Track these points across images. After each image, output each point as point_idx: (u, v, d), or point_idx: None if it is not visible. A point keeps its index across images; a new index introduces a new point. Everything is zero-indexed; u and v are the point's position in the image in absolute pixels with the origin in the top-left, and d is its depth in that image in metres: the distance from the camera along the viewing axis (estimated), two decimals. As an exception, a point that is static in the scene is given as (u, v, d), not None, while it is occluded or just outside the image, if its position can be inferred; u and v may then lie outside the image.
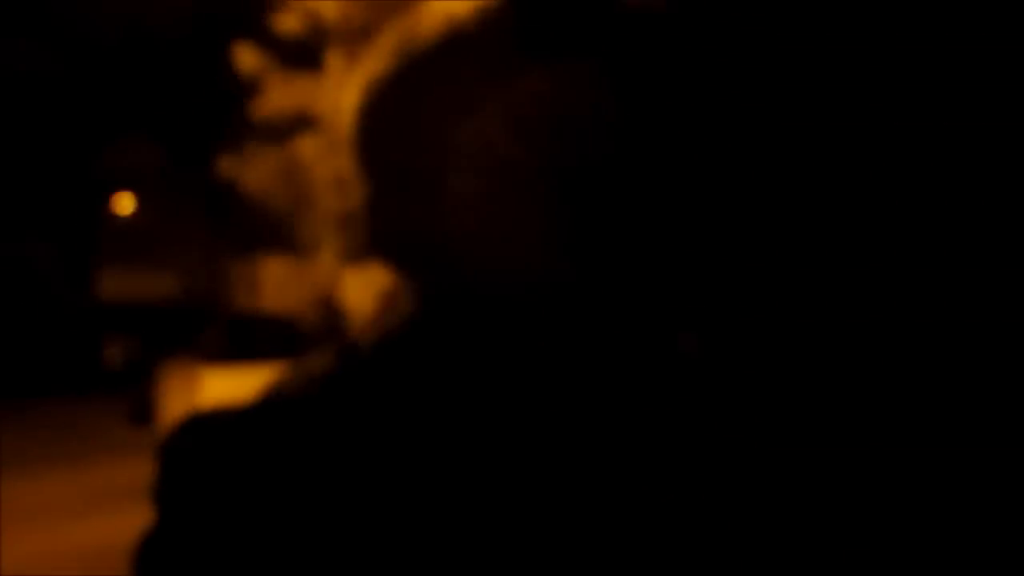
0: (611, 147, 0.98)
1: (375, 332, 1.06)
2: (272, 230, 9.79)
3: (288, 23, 8.84)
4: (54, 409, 18.30)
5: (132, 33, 17.69)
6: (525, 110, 0.98)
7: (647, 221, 0.99)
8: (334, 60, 8.78)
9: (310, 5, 8.73)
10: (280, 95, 8.98)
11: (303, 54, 8.90)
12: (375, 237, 1.04)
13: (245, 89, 9.30)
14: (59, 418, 17.47)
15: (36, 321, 22.09)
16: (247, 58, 9.21)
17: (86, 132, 20.86)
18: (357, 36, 8.23)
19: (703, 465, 0.99)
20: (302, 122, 8.94)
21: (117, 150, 21.60)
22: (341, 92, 8.52)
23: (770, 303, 1.02)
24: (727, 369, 1.02)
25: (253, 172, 9.26)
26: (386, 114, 1.02)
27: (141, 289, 22.65)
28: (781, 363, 1.01)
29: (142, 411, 16.66)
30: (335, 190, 8.67)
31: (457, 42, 1.01)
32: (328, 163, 8.69)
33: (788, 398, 1.01)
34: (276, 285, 10.28)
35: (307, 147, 8.91)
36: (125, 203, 23.92)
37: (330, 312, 9.64)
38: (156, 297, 22.46)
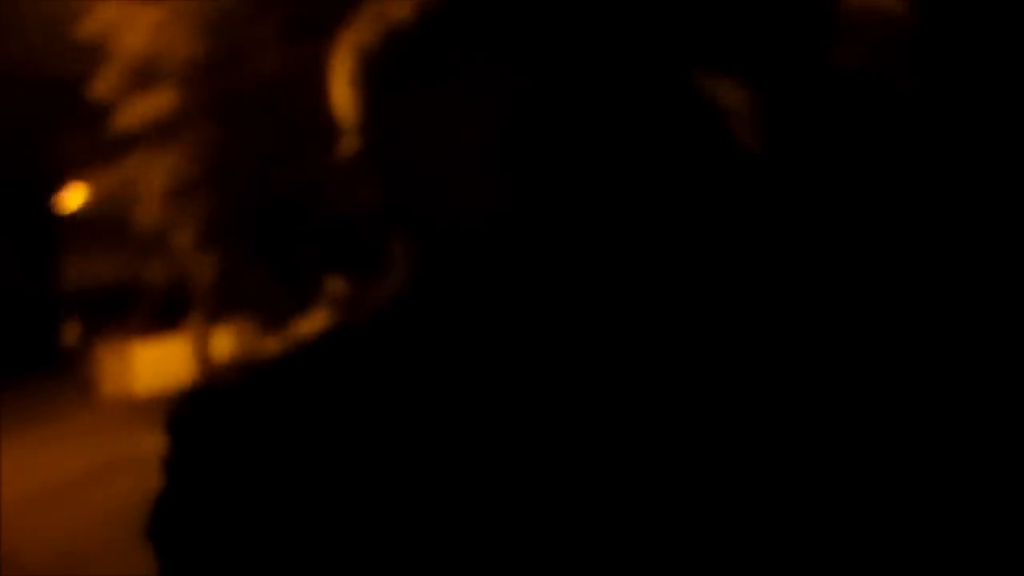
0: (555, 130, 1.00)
1: (370, 297, 1.08)
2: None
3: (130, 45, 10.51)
4: (15, 383, 20.24)
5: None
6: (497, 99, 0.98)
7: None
8: (177, 80, 10.54)
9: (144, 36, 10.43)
10: (128, 115, 10.88)
11: (152, 76, 10.69)
12: (373, 202, 1.03)
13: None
14: (20, 390, 19.39)
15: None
16: (102, 85, 10.98)
17: (29, 126, 22.46)
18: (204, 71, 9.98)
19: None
20: (142, 138, 10.88)
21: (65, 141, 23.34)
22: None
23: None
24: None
25: (90, 186, 11.19)
26: (376, 82, 1.02)
27: (99, 273, 24.52)
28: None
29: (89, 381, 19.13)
30: (158, 200, 10.66)
31: (424, 26, 1.00)
32: (150, 177, 10.68)
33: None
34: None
35: (133, 164, 10.89)
36: (78, 193, 25.52)
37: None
38: (114, 280, 24.31)
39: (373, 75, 1.01)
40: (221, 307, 12.80)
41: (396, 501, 0.98)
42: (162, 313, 17.97)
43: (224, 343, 15.26)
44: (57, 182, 24.38)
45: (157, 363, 18.36)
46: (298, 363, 1.05)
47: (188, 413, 1.06)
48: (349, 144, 1.04)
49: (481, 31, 0.99)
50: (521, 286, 1.01)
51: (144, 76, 10.37)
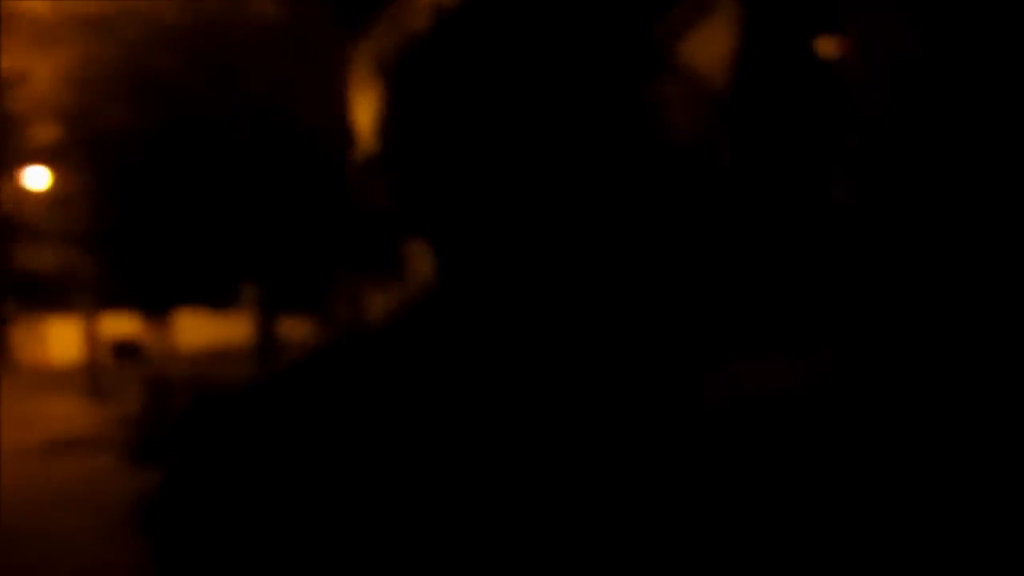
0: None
1: (394, 302, 1.09)
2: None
3: None
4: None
5: None
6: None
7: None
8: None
9: None
10: (27, 137, 14.08)
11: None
12: (403, 211, 1.05)
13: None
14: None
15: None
16: (11, 109, 14.18)
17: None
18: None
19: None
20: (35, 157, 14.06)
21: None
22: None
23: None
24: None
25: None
26: (393, 88, 1.04)
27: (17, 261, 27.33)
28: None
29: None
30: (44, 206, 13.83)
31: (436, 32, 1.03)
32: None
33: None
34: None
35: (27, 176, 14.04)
36: None
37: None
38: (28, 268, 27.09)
39: (390, 82, 1.05)
40: (102, 297, 16.02)
41: (414, 506, 0.98)
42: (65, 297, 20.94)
43: (112, 326, 18.31)
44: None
45: (66, 339, 21.29)
46: (319, 368, 1.06)
47: (197, 420, 1.06)
48: (366, 149, 1.07)
49: (495, 37, 1.02)
50: (540, 288, 1.02)
51: (41, 110, 13.51)
